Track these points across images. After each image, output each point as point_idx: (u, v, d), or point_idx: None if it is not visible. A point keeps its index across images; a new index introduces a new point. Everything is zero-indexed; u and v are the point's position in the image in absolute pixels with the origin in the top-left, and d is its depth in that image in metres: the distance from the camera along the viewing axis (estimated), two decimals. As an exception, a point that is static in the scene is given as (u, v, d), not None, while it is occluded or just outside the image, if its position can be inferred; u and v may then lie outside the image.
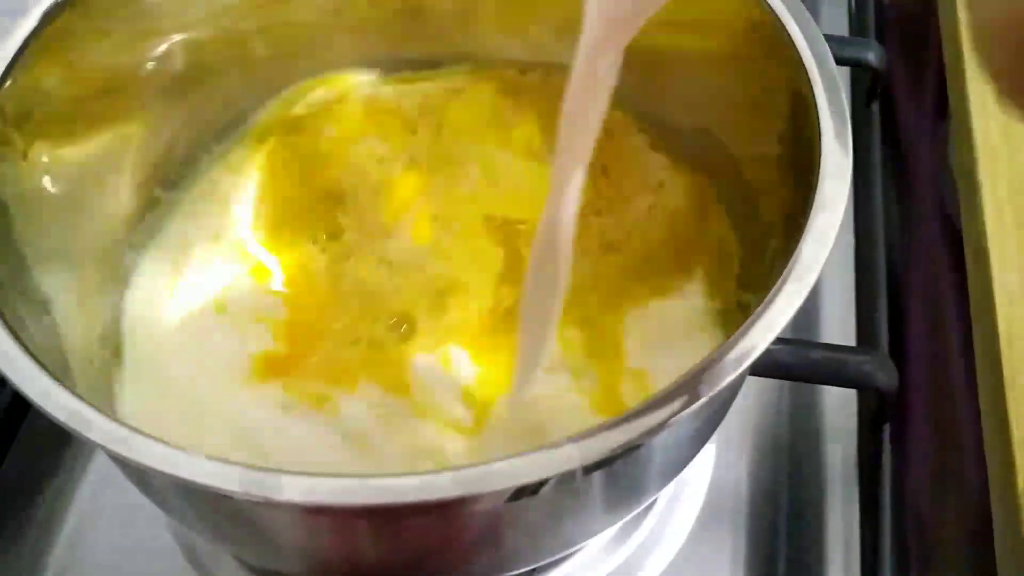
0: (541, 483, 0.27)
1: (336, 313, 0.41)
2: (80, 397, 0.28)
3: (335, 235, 0.44)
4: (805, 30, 0.36)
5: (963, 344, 0.43)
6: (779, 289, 0.30)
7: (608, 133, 0.47)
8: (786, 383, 0.48)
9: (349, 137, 0.48)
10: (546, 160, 0.45)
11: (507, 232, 0.43)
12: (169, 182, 0.46)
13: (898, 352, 0.48)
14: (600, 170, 0.45)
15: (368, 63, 0.50)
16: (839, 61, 0.35)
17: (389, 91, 0.49)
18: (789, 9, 0.36)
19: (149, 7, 0.41)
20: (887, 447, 0.44)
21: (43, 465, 0.47)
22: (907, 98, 0.60)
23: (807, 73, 0.35)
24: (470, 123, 0.48)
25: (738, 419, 0.47)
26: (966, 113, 0.47)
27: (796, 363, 0.42)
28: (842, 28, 0.63)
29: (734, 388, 0.36)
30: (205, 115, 0.47)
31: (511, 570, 0.36)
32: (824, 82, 0.35)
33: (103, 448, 0.28)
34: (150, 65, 0.43)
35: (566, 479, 0.27)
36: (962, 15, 0.50)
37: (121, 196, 0.43)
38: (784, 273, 0.30)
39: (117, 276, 0.43)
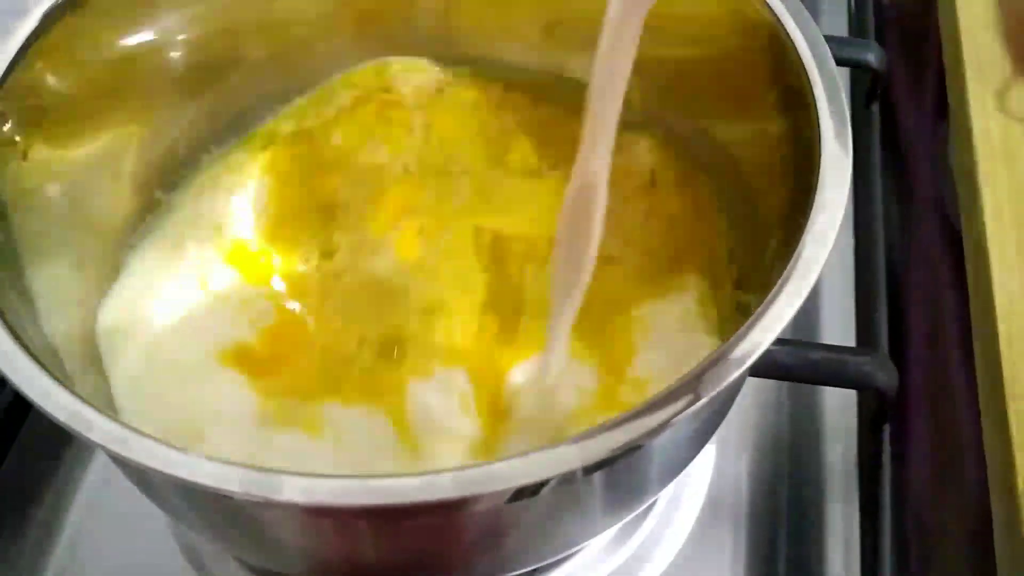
0: (541, 484, 0.27)
1: (324, 330, 0.41)
2: (80, 398, 0.28)
3: (327, 252, 0.43)
4: (805, 31, 0.36)
5: (963, 345, 0.43)
6: (779, 290, 0.30)
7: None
8: (786, 384, 0.48)
9: (348, 144, 0.48)
10: (544, 175, 0.45)
11: (496, 251, 0.42)
12: (169, 183, 0.46)
13: (898, 353, 0.48)
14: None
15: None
16: (839, 62, 0.35)
17: (382, 81, 0.49)
18: (789, 10, 0.36)
19: (149, 9, 0.42)
20: (887, 447, 0.44)
21: (44, 465, 0.47)
22: (907, 99, 0.60)
23: (807, 74, 0.35)
24: (466, 128, 0.48)
25: (738, 420, 0.47)
26: (965, 114, 0.47)
27: (796, 364, 0.42)
28: (842, 29, 0.63)
29: (734, 389, 0.36)
30: (205, 116, 0.47)
31: (511, 571, 0.36)
32: (824, 83, 0.35)
33: (103, 448, 0.28)
34: (150, 66, 0.43)
35: (566, 480, 0.27)
36: (961, 16, 0.50)
37: (120, 197, 0.44)
38: (784, 274, 0.30)
39: (115, 276, 0.43)
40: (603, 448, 0.27)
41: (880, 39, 0.59)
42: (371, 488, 0.26)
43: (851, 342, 0.48)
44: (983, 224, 0.43)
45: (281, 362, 0.40)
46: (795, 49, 0.36)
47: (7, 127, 0.36)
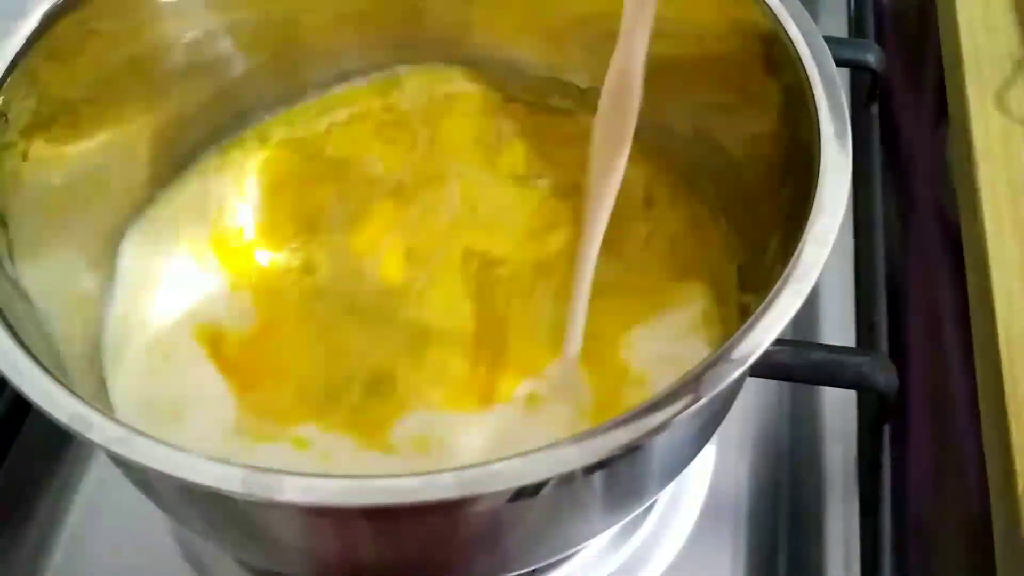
0: (541, 484, 0.27)
1: (307, 357, 0.40)
2: (81, 398, 0.28)
3: (309, 269, 0.43)
4: (804, 32, 0.36)
5: (962, 345, 0.43)
6: (779, 290, 0.30)
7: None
8: (786, 384, 0.48)
9: (340, 153, 0.47)
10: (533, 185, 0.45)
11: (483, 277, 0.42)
12: (167, 180, 0.46)
13: (898, 353, 0.48)
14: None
15: (369, 68, 0.50)
16: (838, 63, 0.35)
17: (385, 101, 0.49)
18: (788, 11, 0.36)
19: (149, 10, 0.42)
20: (887, 448, 0.44)
21: (44, 465, 0.47)
22: (906, 100, 0.60)
23: (806, 74, 0.35)
24: (462, 135, 0.48)
25: (738, 420, 0.47)
26: (965, 115, 0.47)
27: (796, 364, 0.42)
28: (841, 30, 0.63)
29: (734, 389, 0.36)
30: (205, 115, 0.47)
31: (511, 571, 0.36)
32: (823, 83, 0.35)
33: (104, 449, 0.28)
34: (150, 67, 0.43)
35: (566, 480, 0.27)
36: (961, 17, 0.50)
37: (119, 195, 0.44)
38: (784, 274, 0.30)
39: (113, 275, 0.43)
40: (603, 448, 0.27)
41: (880, 40, 0.60)
42: (372, 488, 0.26)
43: (851, 342, 0.48)
44: (983, 225, 0.43)
45: (264, 377, 0.40)
46: (794, 50, 0.36)
47: (6, 127, 0.36)
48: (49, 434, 0.46)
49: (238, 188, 0.46)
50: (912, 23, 0.63)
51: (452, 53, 0.49)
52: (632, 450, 0.27)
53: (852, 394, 0.47)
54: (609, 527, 0.39)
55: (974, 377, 0.41)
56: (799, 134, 0.35)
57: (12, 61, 0.36)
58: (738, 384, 0.35)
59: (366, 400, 0.39)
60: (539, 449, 0.27)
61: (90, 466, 0.47)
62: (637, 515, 0.42)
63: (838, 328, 0.50)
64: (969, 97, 0.47)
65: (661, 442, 0.31)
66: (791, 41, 0.36)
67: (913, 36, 0.62)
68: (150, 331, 0.41)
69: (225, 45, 0.45)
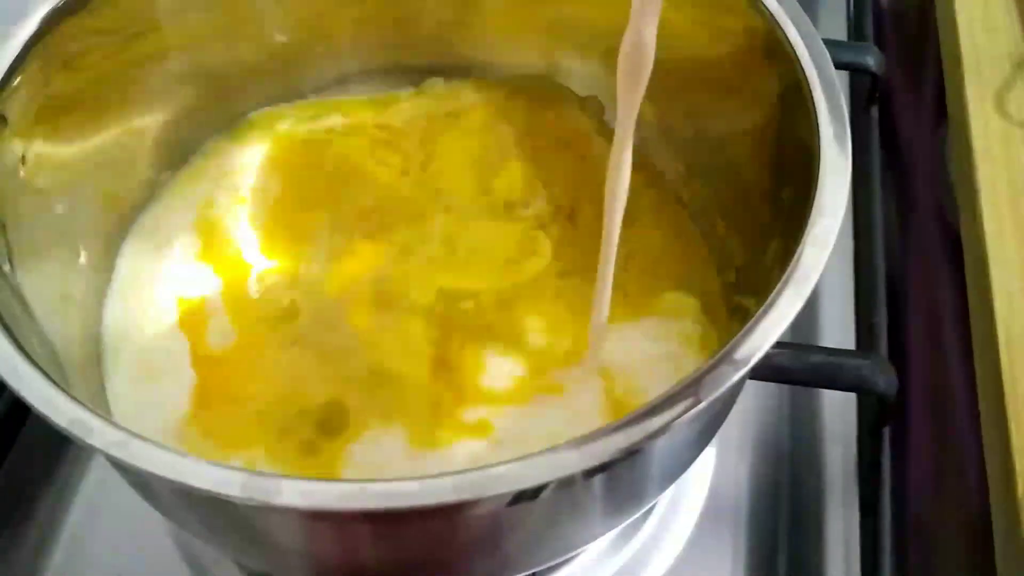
0: (541, 487, 0.27)
1: (260, 386, 0.40)
2: (80, 402, 0.28)
3: (287, 308, 0.42)
4: (804, 35, 0.36)
5: (962, 348, 0.43)
6: (779, 293, 0.30)
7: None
8: (786, 387, 0.48)
9: (340, 167, 0.47)
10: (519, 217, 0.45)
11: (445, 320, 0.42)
12: (165, 183, 0.46)
13: (897, 356, 0.48)
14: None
15: (371, 71, 0.50)
16: (838, 65, 0.36)
17: (385, 109, 0.49)
18: (788, 14, 0.37)
19: (148, 12, 0.42)
20: (887, 450, 0.44)
21: (43, 467, 0.47)
22: (906, 102, 0.60)
23: (806, 77, 0.35)
24: (462, 154, 0.47)
25: (738, 423, 0.47)
26: (964, 116, 0.47)
27: (796, 367, 0.42)
28: (841, 32, 0.63)
29: (734, 392, 0.36)
30: (203, 118, 0.47)
31: (511, 574, 0.36)
32: (823, 86, 0.35)
33: (104, 454, 0.28)
34: (149, 69, 0.43)
35: (566, 483, 0.27)
36: (960, 19, 0.50)
37: (117, 198, 0.44)
38: (784, 277, 0.30)
39: (110, 277, 0.43)
40: (603, 452, 0.27)
41: (879, 43, 0.60)
42: (371, 492, 0.26)
43: (851, 345, 0.48)
44: (982, 227, 0.43)
45: (220, 398, 0.40)
46: (794, 53, 0.36)
47: (6, 130, 0.36)
48: (49, 435, 0.46)
49: (233, 195, 0.46)
50: (911, 24, 0.63)
51: (451, 57, 0.49)
52: (632, 454, 0.27)
53: (852, 397, 0.47)
54: (609, 530, 0.39)
55: (974, 378, 0.41)
56: (799, 136, 0.35)
57: (12, 64, 0.36)
58: (738, 387, 0.35)
59: (317, 436, 0.39)
60: (539, 453, 0.27)
61: (90, 467, 0.47)
62: (637, 518, 0.42)
63: (838, 330, 0.50)
64: (968, 98, 0.47)
65: (661, 445, 0.31)
66: (790, 44, 0.36)
67: (912, 38, 0.62)
68: (146, 334, 0.42)
69: (223, 49, 0.45)
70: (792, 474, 0.46)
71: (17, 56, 0.36)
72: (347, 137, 0.48)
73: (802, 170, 0.34)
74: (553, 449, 0.27)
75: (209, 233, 0.45)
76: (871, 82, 0.55)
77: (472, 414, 0.39)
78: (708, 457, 0.46)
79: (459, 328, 0.41)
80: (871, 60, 0.54)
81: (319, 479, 0.27)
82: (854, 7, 0.62)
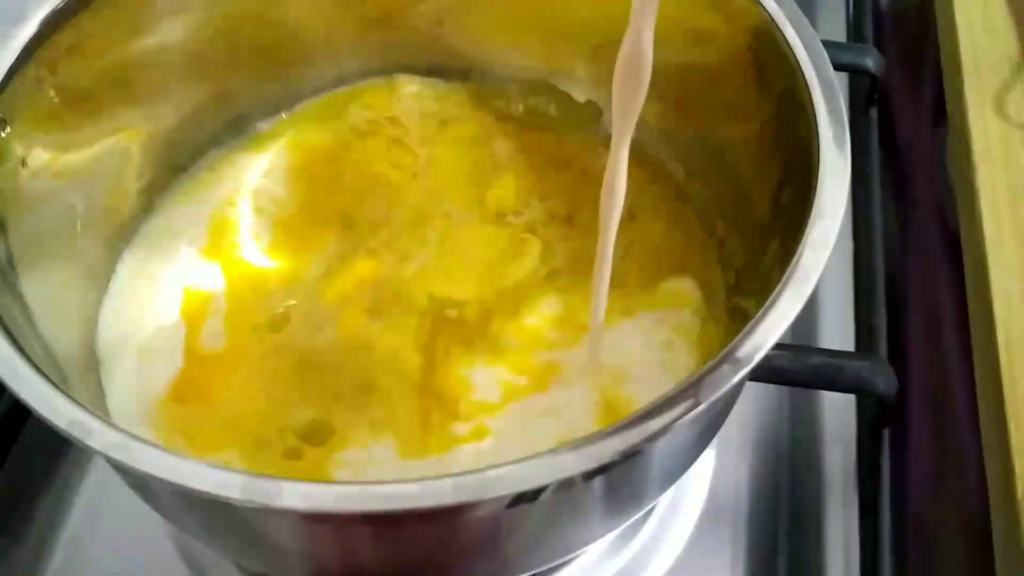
0: (540, 490, 0.27)
1: (238, 396, 0.40)
2: (80, 404, 0.28)
3: (278, 320, 0.42)
4: (803, 36, 0.36)
5: (962, 349, 0.43)
6: (779, 294, 0.30)
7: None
8: (785, 388, 0.48)
9: (341, 174, 0.47)
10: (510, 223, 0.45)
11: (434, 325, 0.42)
12: (166, 185, 0.46)
13: (897, 357, 0.48)
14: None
15: (371, 73, 0.50)
16: (837, 67, 0.36)
17: (385, 115, 0.49)
18: (787, 16, 0.37)
19: (148, 14, 0.42)
20: (886, 452, 0.44)
21: (43, 468, 0.47)
22: (905, 104, 0.60)
23: (805, 79, 0.35)
24: (461, 163, 0.48)
25: (738, 424, 0.47)
26: (963, 118, 0.47)
27: (795, 368, 0.42)
28: (840, 34, 0.63)
29: (734, 394, 0.36)
30: (203, 120, 0.47)
31: (511, 575, 0.36)
32: (822, 88, 0.35)
33: (103, 455, 0.28)
34: (149, 72, 0.43)
35: (565, 485, 0.27)
36: (959, 20, 0.50)
37: (118, 201, 0.44)
38: (783, 278, 0.30)
39: (110, 280, 0.43)
40: (602, 454, 0.27)
41: (878, 44, 0.60)
42: (370, 494, 0.26)
43: (850, 347, 0.48)
44: (981, 228, 0.43)
45: (196, 400, 0.40)
46: (793, 54, 0.36)
47: (5, 133, 0.36)
48: (49, 436, 0.46)
49: (232, 201, 0.46)
50: (911, 26, 0.63)
51: (451, 58, 0.49)
52: (631, 455, 0.27)
53: (851, 398, 0.47)
54: (609, 532, 0.39)
55: (973, 380, 0.41)
56: (798, 138, 0.35)
57: (11, 67, 0.36)
58: (738, 389, 0.35)
59: (300, 445, 0.39)
60: (539, 455, 0.27)
61: (90, 468, 0.47)
62: (637, 519, 0.42)
63: (837, 331, 0.50)
64: (968, 100, 0.47)
65: (661, 447, 0.31)
66: (789, 46, 0.36)
67: (912, 39, 0.62)
68: (145, 336, 0.41)
69: (224, 51, 0.45)
70: (792, 475, 0.46)
71: (17, 58, 0.36)
72: (353, 142, 0.48)
73: (801, 171, 0.34)
74: (553, 451, 0.27)
75: (214, 235, 0.45)
76: (870, 83, 0.55)
77: (465, 419, 0.39)
78: (708, 458, 0.46)
79: (451, 334, 0.41)
80: (870, 62, 0.54)
81: (319, 482, 0.27)
82: (853, 8, 0.62)
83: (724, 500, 0.45)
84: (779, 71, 0.36)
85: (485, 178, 0.47)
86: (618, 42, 0.30)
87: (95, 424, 0.28)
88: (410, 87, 0.50)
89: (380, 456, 0.38)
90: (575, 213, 0.45)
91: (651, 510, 0.44)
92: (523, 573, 0.36)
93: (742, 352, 0.29)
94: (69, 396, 0.29)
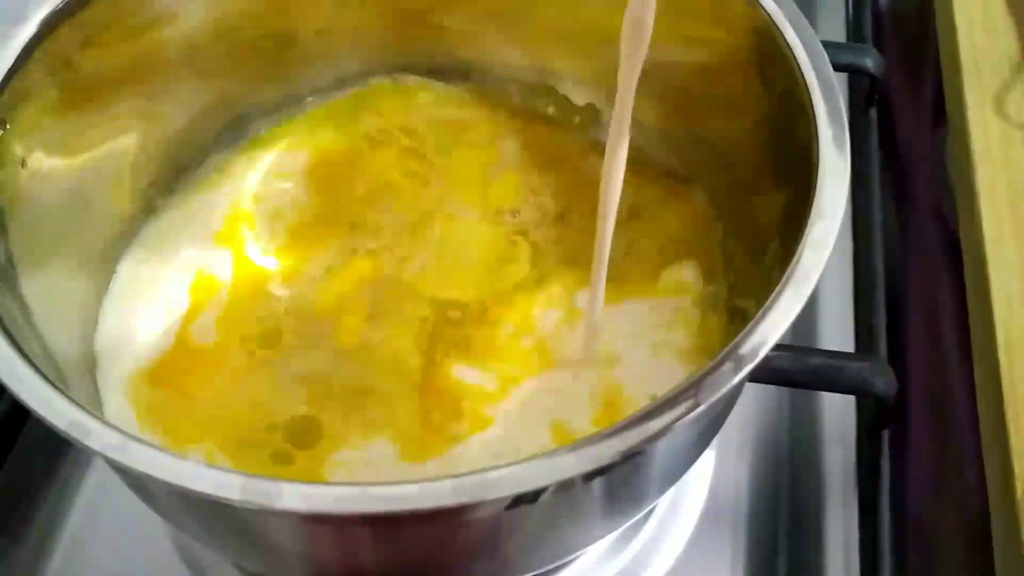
0: (540, 491, 0.27)
1: (222, 397, 0.40)
2: (79, 405, 0.28)
3: (270, 341, 0.42)
4: (803, 37, 0.36)
5: (962, 350, 0.43)
6: (778, 295, 0.30)
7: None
8: (785, 389, 0.48)
9: (344, 176, 0.47)
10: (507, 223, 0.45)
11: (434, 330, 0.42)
12: (167, 187, 0.46)
13: (897, 358, 0.48)
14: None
15: (372, 73, 0.50)
16: (837, 67, 0.35)
17: (385, 117, 0.49)
18: (786, 16, 0.37)
19: (148, 15, 0.42)
20: (886, 453, 0.44)
21: (43, 469, 0.47)
22: (905, 104, 0.60)
23: (805, 79, 0.35)
24: (470, 165, 0.48)
25: (738, 425, 0.47)
26: (963, 119, 0.47)
27: (795, 369, 0.42)
28: (839, 34, 0.63)
29: (733, 395, 0.36)
30: (204, 121, 0.47)
31: (511, 576, 0.36)
32: (822, 88, 0.35)
33: (102, 456, 0.28)
34: (149, 73, 0.43)
35: (565, 487, 0.27)
36: (959, 21, 0.50)
37: (118, 202, 0.44)
38: (783, 279, 0.30)
39: (109, 282, 0.43)
40: (602, 455, 0.27)
41: (878, 44, 0.60)
42: (370, 495, 0.26)
43: (850, 347, 0.48)
44: (981, 230, 0.43)
45: (178, 393, 0.40)
46: (792, 55, 0.36)
47: (5, 134, 0.36)
48: (49, 437, 0.46)
49: (234, 203, 0.46)
50: (910, 26, 0.63)
51: (450, 59, 0.49)
52: (631, 456, 0.27)
53: (851, 399, 0.47)
54: (609, 533, 0.39)
55: (973, 381, 0.41)
56: (798, 138, 0.35)
57: (11, 67, 0.36)
58: (737, 390, 0.35)
59: (290, 447, 0.38)
60: (539, 456, 0.27)
61: (90, 469, 0.47)
62: (637, 520, 0.42)
63: (837, 332, 0.50)
64: (968, 100, 0.47)
65: (661, 448, 0.31)
66: (789, 46, 0.36)
67: (911, 39, 0.62)
68: (143, 337, 0.41)
69: (225, 51, 0.45)
70: (792, 476, 0.47)
71: (17, 58, 0.36)
72: (355, 142, 0.48)
73: (801, 172, 0.34)
74: (553, 452, 0.27)
75: (215, 236, 0.45)
76: (870, 84, 0.55)
77: (466, 417, 0.39)
78: (708, 459, 0.46)
79: (451, 334, 0.41)
80: (870, 62, 0.54)
81: (319, 483, 0.27)
82: (853, 9, 0.62)
83: (724, 501, 0.45)
84: (779, 71, 0.36)
85: (488, 179, 0.47)
86: (618, 42, 0.30)
87: (94, 424, 0.28)
88: (419, 91, 0.50)
89: (377, 457, 0.38)
90: (567, 213, 0.45)
91: (651, 511, 0.44)
92: (523, 574, 0.36)
93: (742, 352, 0.29)
94: (68, 396, 0.29)
